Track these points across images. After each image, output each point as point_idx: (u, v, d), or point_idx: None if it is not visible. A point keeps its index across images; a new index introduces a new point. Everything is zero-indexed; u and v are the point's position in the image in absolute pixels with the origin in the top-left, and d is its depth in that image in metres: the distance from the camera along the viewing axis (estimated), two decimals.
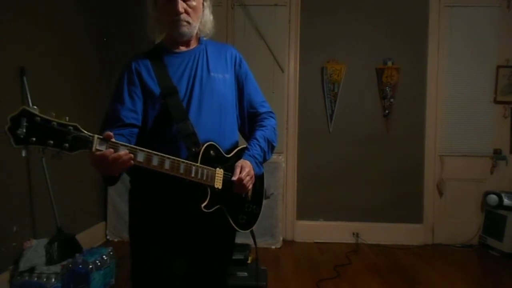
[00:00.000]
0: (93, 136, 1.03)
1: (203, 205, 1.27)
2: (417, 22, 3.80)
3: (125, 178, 1.39)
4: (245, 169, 1.34)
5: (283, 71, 3.85)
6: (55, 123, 0.98)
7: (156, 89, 1.31)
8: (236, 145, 1.46)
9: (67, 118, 1.01)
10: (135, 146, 1.12)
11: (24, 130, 0.93)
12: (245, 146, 1.46)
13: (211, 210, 1.29)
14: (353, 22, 3.82)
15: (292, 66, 3.86)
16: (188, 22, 1.33)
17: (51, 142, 0.97)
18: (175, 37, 1.36)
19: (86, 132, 1.03)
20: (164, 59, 1.36)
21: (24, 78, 2.64)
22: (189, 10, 1.33)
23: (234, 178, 1.32)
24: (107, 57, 3.74)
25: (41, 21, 2.87)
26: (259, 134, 1.47)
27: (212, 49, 1.45)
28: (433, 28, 3.78)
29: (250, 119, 1.51)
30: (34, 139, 0.95)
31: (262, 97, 1.54)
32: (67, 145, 0.99)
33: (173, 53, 1.39)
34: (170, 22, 1.33)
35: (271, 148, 1.50)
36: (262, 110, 1.52)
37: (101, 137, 1.05)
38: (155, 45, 1.44)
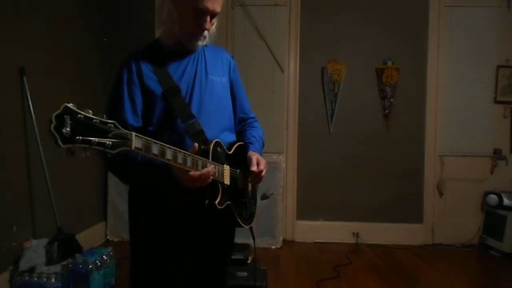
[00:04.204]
0: (131, 134, 1.02)
1: (216, 201, 1.27)
2: (417, 22, 3.80)
3: None
4: (262, 161, 1.40)
5: (283, 71, 3.85)
6: (97, 120, 0.94)
7: (157, 88, 1.30)
8: (234, 143, 1.48)
9: (104, 115, 0.97)
10: (164, 144, 1.12)
11: (69, 129, 0.88)
12: (242, 143, 1.49)
13: (223, 207, 1.30)
14: (353, 22, 3.82)
15: (292, 66, 3.86)
16: (205, 37, 1.34)
17: (95, 140, 0.93)
18: (186, 44, 1.35)
19: (123, 129, 1.00)
20: (163, 57, 1.35)
21: (24, 78, 2.64)
22: (210, 26, 1.33)
23: (254, 168, 1.36)
24: (107, 57, 3.74)
25: (41, 21, 2.87)
26: (255, 133, 1.55)
27: (209, 52, 1.45)
28: (433, 28, 3.78)
29: (239, 123, 1.59)
30: (79, 138, 0.90)
31: (249, 103, 1.64)
32: (110, 143, 0.96)
33: (173, 51, 1.37)
34: (190, 33, 1.31)
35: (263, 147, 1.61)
36: (251, 115, 1.62)
37: (138, 134, 1.04)
38: (152, 42, 1.42)
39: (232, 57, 1.57)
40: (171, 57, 1.36)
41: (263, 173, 1.40)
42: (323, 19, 3.83)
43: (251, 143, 1.49)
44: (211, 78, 1.40)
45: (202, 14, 1.27)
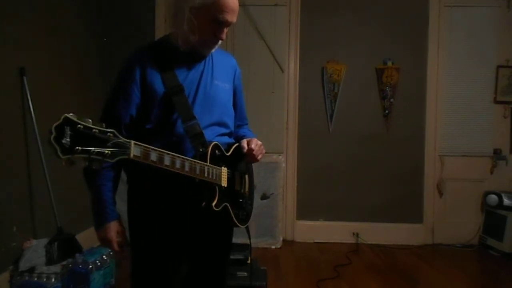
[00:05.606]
0: (130, 142, 1.03)
1: (213, 203, 1.29)
2: (417, 22, 3.80)
3: (124, 177, 1.40)
4: (253, 140, 1.45)
5: (283, 71, 3.85)
6: (96, 130, 0.95)
7: (160, 86, 1.30)
8: (232, 145, 1.49)
9: (103, 124, 0.98)
10: (162, 150, 1.13)
11: (69, 139, 0.90)
12: (239, 143, 1.50)
13: (219, 208, 1.32)
14: (353, 22, 3.82)
15: (292, 66, 3.86)
16: (217, 44, 1.37)
17: (94, 150, 0.94)
18: (199, 51, 1.36)
19: (122, 138, 1.02)
20: (171, 56, 1.34)
21: (24, 78, 2.64)
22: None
23: (244, 150, 1.42)
24: (107, 57, 3.74)
25: (41, 22, 2.87)
26: (245, 130, 1.62)
27: (217, 56, 1.45)
28: (433, 28, 3.78)
29: (235, 128, 1.62)
30: (78, 148, 0.91)
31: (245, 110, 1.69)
32: (108, 152, 0.97)
33: (183, 53, 1.35)
34: (206, 41, 1.32)
35: None
36: (246, 122, 1.69)
37: (137, 143, 1.06)
38: (161, 39, 1.42)
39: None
40: (180, 57, 1.35)
41: (254, 151, 1.42)
42: (323, 19, 3.83)
43: (243, 135, 1.56)
44: (216, 83, 1.41)
45: (220, 25, 1.29)
